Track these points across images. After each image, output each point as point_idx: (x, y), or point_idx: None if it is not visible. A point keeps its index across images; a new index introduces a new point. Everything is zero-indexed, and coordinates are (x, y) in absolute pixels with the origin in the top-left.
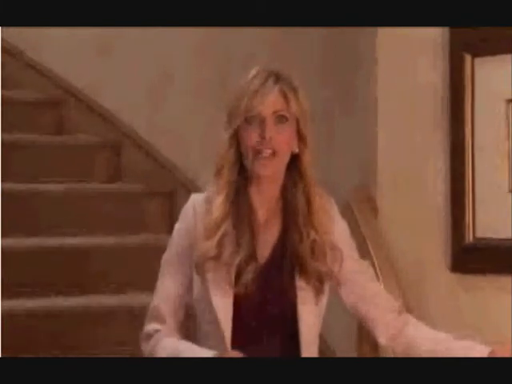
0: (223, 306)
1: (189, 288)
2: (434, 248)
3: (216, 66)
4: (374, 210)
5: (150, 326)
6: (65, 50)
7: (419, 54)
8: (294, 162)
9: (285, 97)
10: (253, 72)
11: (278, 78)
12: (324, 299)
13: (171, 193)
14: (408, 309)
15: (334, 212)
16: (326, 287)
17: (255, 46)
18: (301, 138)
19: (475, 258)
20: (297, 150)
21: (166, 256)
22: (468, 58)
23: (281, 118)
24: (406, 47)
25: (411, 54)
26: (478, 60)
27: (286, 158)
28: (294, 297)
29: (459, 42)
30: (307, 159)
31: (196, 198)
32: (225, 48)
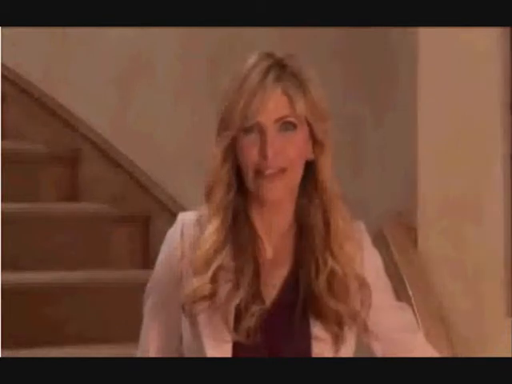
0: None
1: (178, 334)
2: (491, 290)
3: (205, 53)
4: (414, 242)
5: None
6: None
7: (470, 43)
8: (310, 171)
9: (289, 98)
10: (251, 61)
11: (281, 70)
12: (346, 350)
13: (146, 217)
14: None
15: (363, 238)
16: (349, 335)
17: (255, 33)
18: (316, 141)
19: None
20: (312, 156)
21: (146, 297)
22: None
23: (287, 126)
24: (453, 35)
25: (460, 44)
26: None
27: (299, 173)
28: (308, 347)
29: None
30: (326, 167)
31: (185, 219)
32: (217, 33)
